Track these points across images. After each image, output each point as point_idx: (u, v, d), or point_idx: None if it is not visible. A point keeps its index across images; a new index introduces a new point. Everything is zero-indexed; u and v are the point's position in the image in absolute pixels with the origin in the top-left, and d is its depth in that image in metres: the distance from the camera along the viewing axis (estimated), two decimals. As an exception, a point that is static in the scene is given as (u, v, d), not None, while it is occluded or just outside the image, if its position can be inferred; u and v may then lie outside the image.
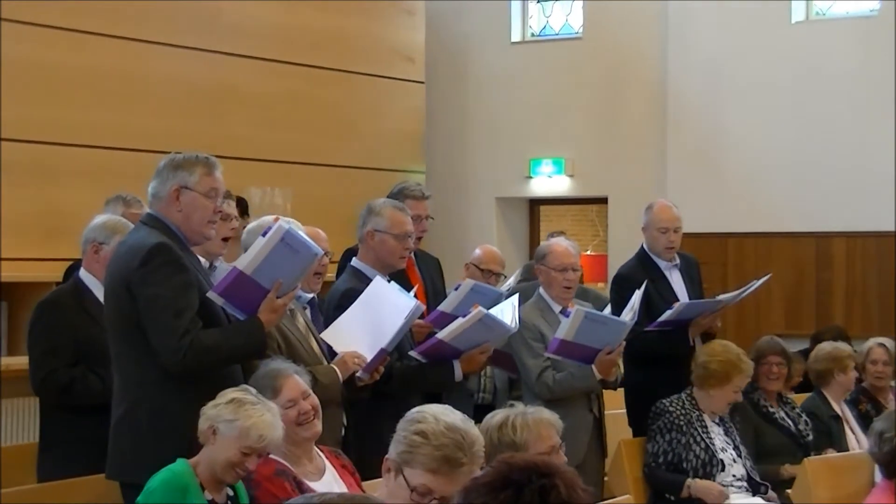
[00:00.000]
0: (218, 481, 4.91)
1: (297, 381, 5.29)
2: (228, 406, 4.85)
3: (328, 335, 6.13)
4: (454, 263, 8.17)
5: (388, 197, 7.35)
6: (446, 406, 4.20)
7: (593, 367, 7.08)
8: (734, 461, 7.37)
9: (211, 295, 5.19)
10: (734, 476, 7.33)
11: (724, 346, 7.54)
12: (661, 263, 8.05)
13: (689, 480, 7.22)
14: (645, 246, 8.12)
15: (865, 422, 8.29)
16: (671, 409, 7.36)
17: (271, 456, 5.07)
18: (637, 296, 7.21)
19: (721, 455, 7.33)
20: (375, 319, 6.13)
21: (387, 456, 4.09)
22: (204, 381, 5.04)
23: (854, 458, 7.55)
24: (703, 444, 7.30)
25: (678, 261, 8.11)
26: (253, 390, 4.96)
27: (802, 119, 12.74)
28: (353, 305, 6.23)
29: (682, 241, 8.14)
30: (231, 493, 5.01)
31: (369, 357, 6.06)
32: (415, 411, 4.14)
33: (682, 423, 7.31)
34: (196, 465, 4.90)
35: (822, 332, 10.74)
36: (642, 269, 8.00)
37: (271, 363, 5.34)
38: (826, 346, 8.61)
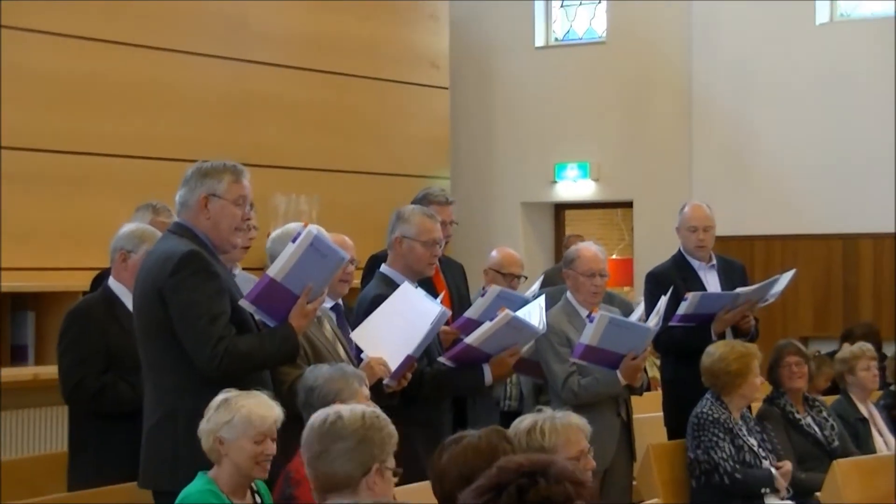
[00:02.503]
0: (242, 487, 4.94)
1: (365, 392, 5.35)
2: (219, 411, 4.89)
3: (357, 335, 6.16)
4: (480, 269, 8.16)
5: (412, 203, 7.36)
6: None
7: (618, 372, 7.09)
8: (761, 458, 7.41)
9: (243, 303, 5.22)
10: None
11: (727, 344, 7.54)
12: (696, 264, 8.11)
13: (774, 472, 7.26)
14: (681, 246, 8.20)
15: (898, 426, 8.32)
16: (715, 415, 7.35)
17: None
18: (663, 301, 7.25)
19: (757, 450, 7.37)
20: (402, 324, 6.15)
21: (375, 466, 4.19)
22: (236, 388, 5.05)
23: (883, 460, 7.54)
24: (746, 446, 7.32)
25: (715, 262, 8.15)
26: (234, 389, 4.97)
27: (828, 120, 12.71)
28: (380, 308, 6.25)
29: (709, 244, 8.19)
30: (258, 500, 5.05)
31: (396, 363, 6.07)
32: (354, 416, 4.26)
33: (730, 425, 7.33)
34: (216, 478, 4.92)
35: (852, 329, 10.71)
36: (676, 268, 8.12)
37: (333, 371, 5.36)
38: (844, 350, 8.61)
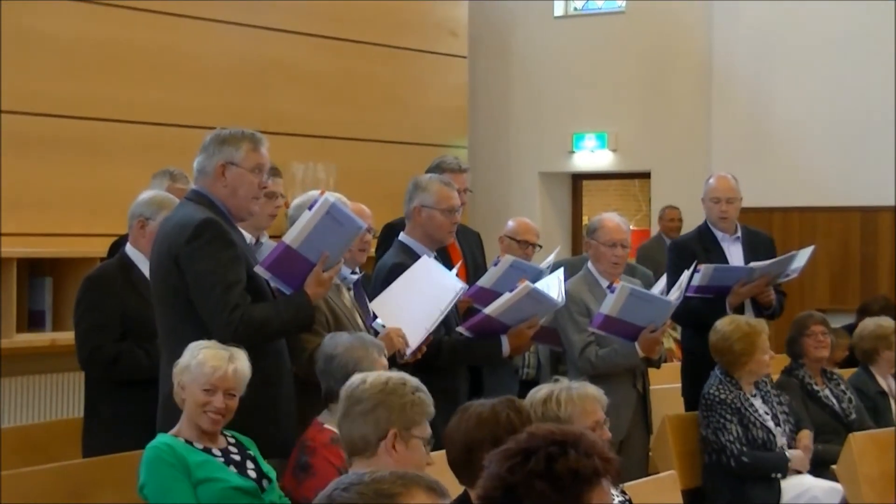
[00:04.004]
0: (205, 435, 4.97)
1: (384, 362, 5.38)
2: (184, 357, 4.95)
3: (376, 305, 6.16)
4: (497, 238, 8.15)
5: (426, 172, 7.35)
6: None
7: (636, 344, 7.07)
8: (774, 431, 7.35)
9: (258, 269, 5.21)
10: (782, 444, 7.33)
11: (731, 321, 7.46)
12: (720, 235, 8.11)
13: (787, 453, 7.22)
14: (706, 217, 8.21)
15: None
16: (722, 395, 7.30)
17: (326, 426, 5.13)
18: (685, 276, 7.23)
19: (772, 428, 7.31)
20: (421, 297, 6.15)
21: (391, 431, 4.23)
22: (252, 356, 5.05)
23: (901, 434, 7.52)
24: (758, 424, 7.27)
25: (739, 233, 8.13)
26: (215, 342, 5.01)
27: (849, 93, 12.65)
28: (400, 279, 6.25)
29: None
30: (231, 440, 5.05)
31: (413, 335, 6.07)
32: (379, 381, 4.36)
33: (738, 405, 7.28)
34: (178, 432, 4.97)
35: (868, 303, 10.69)
36: (699, 239, 8.13)
37: (353, 340, 5.37)
38: (870, 324, 8.55)
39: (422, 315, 6.11)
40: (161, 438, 4.96)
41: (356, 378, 4.43)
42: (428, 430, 4.33)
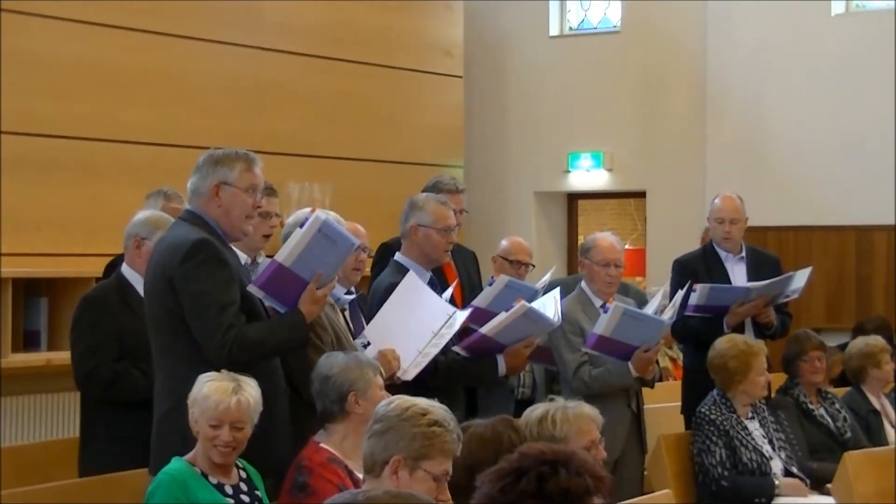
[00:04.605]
0: (217, 467, 4.96)
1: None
2: (195, 387, 4.93)
3: (370, 331, 6.14)
4: (490, 258, 8.15)
5: (423, 191, 7.36)
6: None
7: (630, 364, 7.07)
8: (771, 456, 7.34)
9: (251, 288, 5.21)
10: (777, 471, 7.30)
11: (730, 339, 7.48)
12: (723, 255, 8.12)
13: (776, 481, 7.19)
14: (711, 237, 8.27)
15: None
16: (712, 416, 7.31)
17: (322, 445, 5.13)
18: (679, 295, 7.25)
19: (765, 451, 7.29)
20: (409, 317, 6.14)
21: (395, 457, 4.15)
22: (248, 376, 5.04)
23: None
24: (750, 446, 7.27)
25: (744, 253, 8.14)
26: (225, 372, 4.98)
27: (843, 112, 12.67)
28: (388, 302, 6.24)
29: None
30: (243, 474, 5.05)
31: (406, 356, 6.06)
32: (402, 406, 4.28)
33: (727, 427, 7.27)
34: (194, 458, 4.95)
35: (864, 323, 10.70)
36: (703, 258, 8.16)
37: (348, 360, 5.36)
38: (859, 343, 8.57)
39: (413, 335, 6.10)
40: (176, 465, 4.92)
41: (391, 398, 4.42)
42: (444, 467, 4.22)
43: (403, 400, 4.35)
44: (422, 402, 4.34)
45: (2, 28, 9.34)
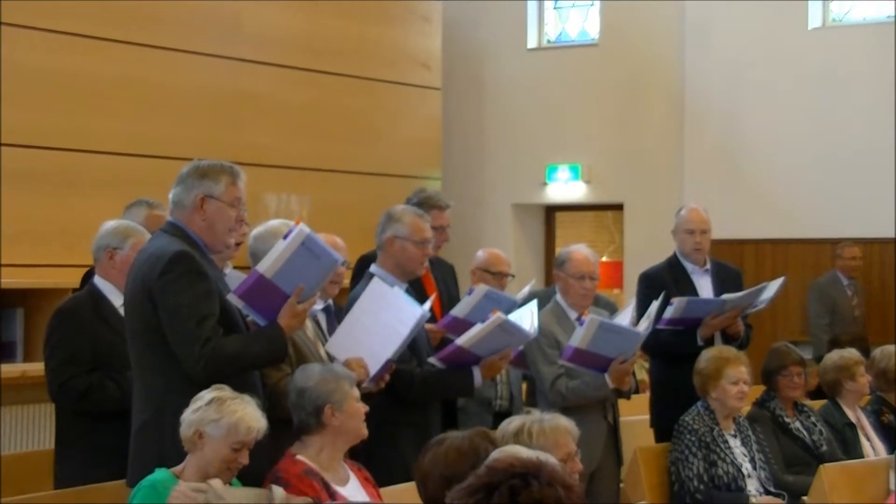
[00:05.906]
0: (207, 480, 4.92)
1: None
2: (210, 407, 4.84)
3: (332, 347, 6.06)
4: (469, 271, 8.15)
5: (406, 203, 7.35)
6: None
7: (606, 376, 7.08)
8: (750, 474, 7.33)
9: (231, 297, 5.18)
10: (753, 489, 7.30)
11: (716, 347, 7.56)
12: (690, 267, 8.13)
13: (752, 499, 7.18)
14: (677, 250, 8.22)
15: (887, 432, 8.28)
16: (695, 426, 7.31)
17: (298, 457, 5.12)
18: (654, 306, 7.24)
19: (744, 468, 7.29)
20: (377, 325, 6.07)
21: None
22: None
23: (871, 465, 7.54)
24: (728, 460, 7.26)
25: (709, 266, 8.16)
26: (228, 388, 4.94)
27: (820, 125, 12.74)
28: (352, 310, 6.18)
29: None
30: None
31: (374, 366, 6.01)
32: None
33: (707, 439, 7.27)
34: (181, 471, 4.88)
35: (838, 336, 10.73)
36: (669, 270, 8.14)
37: (324, 372, 5.35)
38: (834, 356, 8.56)
39: (381, 343, 6.05)
40: (161, 476, 4.85)
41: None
42: None
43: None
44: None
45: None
